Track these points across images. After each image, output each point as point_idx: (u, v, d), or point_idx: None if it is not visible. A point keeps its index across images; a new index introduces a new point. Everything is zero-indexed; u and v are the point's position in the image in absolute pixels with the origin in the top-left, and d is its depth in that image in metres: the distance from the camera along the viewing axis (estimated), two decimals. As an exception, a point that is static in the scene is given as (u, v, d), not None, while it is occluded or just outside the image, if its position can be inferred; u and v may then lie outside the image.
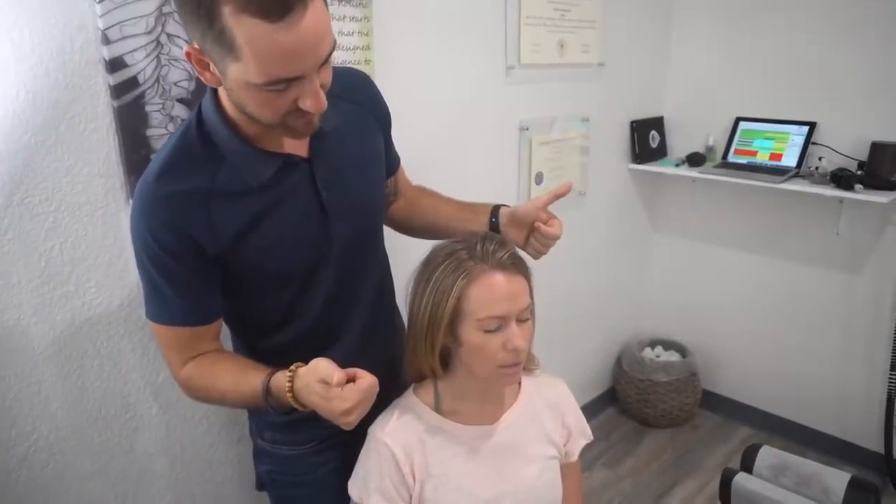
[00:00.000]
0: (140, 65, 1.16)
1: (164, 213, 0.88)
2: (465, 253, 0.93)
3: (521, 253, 1.04)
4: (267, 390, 0.90)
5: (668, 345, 2.79)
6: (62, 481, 1.24)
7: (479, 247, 0.93)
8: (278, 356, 0.96)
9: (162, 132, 1.22)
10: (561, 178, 2.22)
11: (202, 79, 0.83)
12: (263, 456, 1.17)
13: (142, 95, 1.18)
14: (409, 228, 1.28)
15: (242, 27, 0.72)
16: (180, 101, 1.23)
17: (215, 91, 0.89)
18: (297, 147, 0.94)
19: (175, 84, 1.22)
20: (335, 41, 0.81)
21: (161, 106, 1.21)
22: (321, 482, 1.11)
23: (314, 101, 0.81)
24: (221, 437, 1.48)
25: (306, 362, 0.88)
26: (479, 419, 1.01)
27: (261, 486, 1.22)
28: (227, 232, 0.91)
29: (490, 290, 0.90)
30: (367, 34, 1.51)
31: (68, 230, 1.16)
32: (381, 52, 1.56)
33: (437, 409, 1.01)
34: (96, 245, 1.20)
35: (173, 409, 1.38)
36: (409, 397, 1.03)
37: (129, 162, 1.19)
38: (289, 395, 0.87)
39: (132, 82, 1.16)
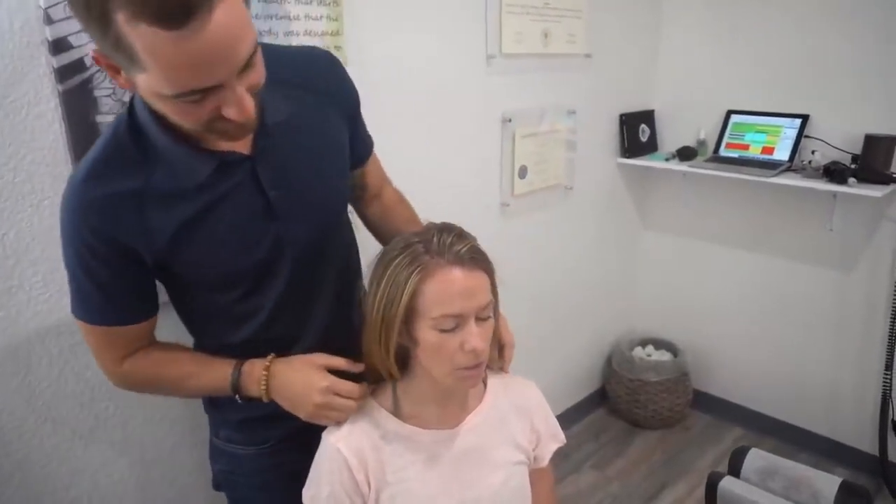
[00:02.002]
0: (87, 47, 1.10)
1: (93, 218, 0.82)
2: (421, 246, 0.86)
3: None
4: (238, 375, 0.92)
5: (658, 344, 2.73)
6: (7, 487, 1.18)
7: (435, 239, 0.86)
8: (237, 356, 0.96)
9: (112, 118, 1.15)
10: (546, 172, 2.16)
11: (116, 84, 0.75)
12: (218, 455, 1.12)
13: (89, 79, 1.12)
14: (378, 237, 1.22)
15: (141, 37, 0.64)
16: (132, 85, 1.17)
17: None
18: (238, 144, 0.86)
19: (126, 68, 1.16)
20: (255, 40, 0.72)
21: (112, 91, 1.15)
22: (275, 485, 1.06)
23: (237, 109, 0.73)
24: (185, 438, 1.42)
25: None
26: (440, 423, 0.95)
27: (217, 485, 1.17)
28: (163, 235, 0.85)
29: (446, 287, 0.84)
30: (336, 19, 1.45)
31: (11, 221, 1.10)
32: (352, 38, 1.50)
33: (396, 412, 0.94)
34: (43, 237, 1.14)
35: (131, 410, 1.32)
36: (366, 400, 0.97)
37: (77, 150, 1.13)
38: (263, 379, 0.91)
39: (78, 65, 1.10)
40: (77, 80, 1.10)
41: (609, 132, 2.44)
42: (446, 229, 0.88)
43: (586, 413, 2.72)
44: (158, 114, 0.79)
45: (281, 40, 1.36)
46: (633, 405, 2.60)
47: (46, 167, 1.12)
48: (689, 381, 2.62)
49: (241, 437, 1.08)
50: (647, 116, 2.55)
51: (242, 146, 0.87)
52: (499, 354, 1.04)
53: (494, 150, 1.98)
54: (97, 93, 1.13)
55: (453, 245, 0.86)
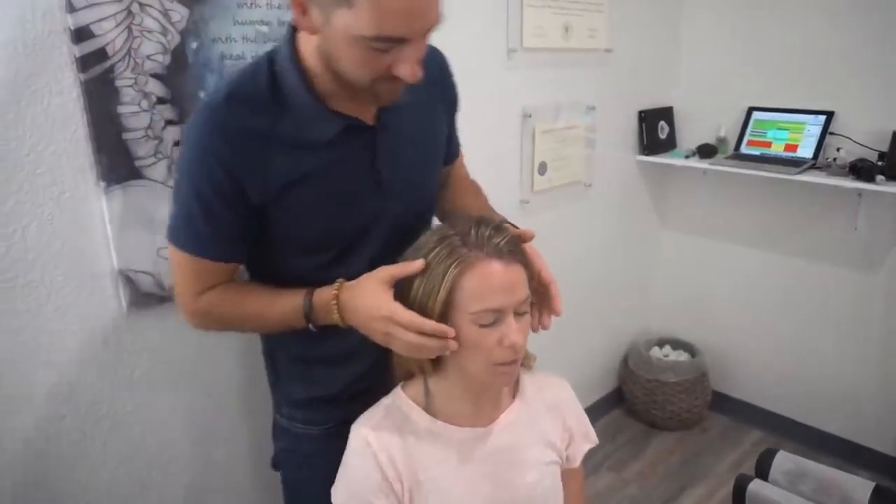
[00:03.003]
0: (109, 35, 1.07)
1: (222, 144, 0.84)
2: (458, 239, 0.83)
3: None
4: (310, 304, 0.90)
5: (676, 344, 2.70)
6: (26, 486, 1.16)
7: (473, 232, 0.84)
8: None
9: (134, 109, 1.13)
10: (565, 169, 2.13)
11: (296, 22, 0.79)
12: (280, 432, 1.13)
13: (111, 69, 1.09)
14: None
15: None
16: (155, 76, 1.15)
17: (293, 38, 0.86)
18: (362, 113, 0.90)
19: (148, 58, 1.13)
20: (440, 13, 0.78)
21: (133, 81, 1.12)
22: (330, 468, 1.03)
23: (412, 69, 0.78)
24: (203, 436, 1.40)
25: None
26: (473, 421, 0.92)
27: (275, 465, 1.17)
28: (276, 182, 0.87)
29: (485, 281, 0.81)
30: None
31: (32, 214, 1.07)
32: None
33: (428, 408, 0.91)
34: (64, 230, 1.11)
35: (149, 408, 1.30)
36: (397, 395, 0.94)
37: (99, 140, 1.11)
38: (334, 303, 0.87)
39: (100, 54, 1.07)
40: (99, 69, 1.08)
41: (628, 129, 2.41)
42: (484, 221, 0.85)
43: (602, 414, 2.68)
44: (304, 68, 0.85)
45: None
46: (650, 406, 2.56)
47: (67, 159, 1.09)
48: (707, 382, 2.58)
49: (302, 416, 1.08)
50: (667, 113, 2.51)
51: (366, 117, 0.90)
52: (543, 296, 0.94)
53: (514, 145, 1.95)
54: (119, 83, 1.11)
55: (492, 238, 0.83)
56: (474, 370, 0.85)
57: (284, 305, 0.92)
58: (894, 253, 2.12)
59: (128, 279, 1.20)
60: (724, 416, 2.66)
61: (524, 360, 0.96)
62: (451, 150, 1.13)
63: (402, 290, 0.86)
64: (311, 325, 0.92)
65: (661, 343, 2.72)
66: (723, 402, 2.66)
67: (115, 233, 1.16)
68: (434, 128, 1.04)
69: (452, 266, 0.81)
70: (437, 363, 0.91)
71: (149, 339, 1.27)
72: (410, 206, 0.98)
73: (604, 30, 2.12)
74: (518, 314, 0.84)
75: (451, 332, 0.82)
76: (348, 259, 0.95)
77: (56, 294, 1.13)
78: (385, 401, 0.94)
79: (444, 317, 0.83)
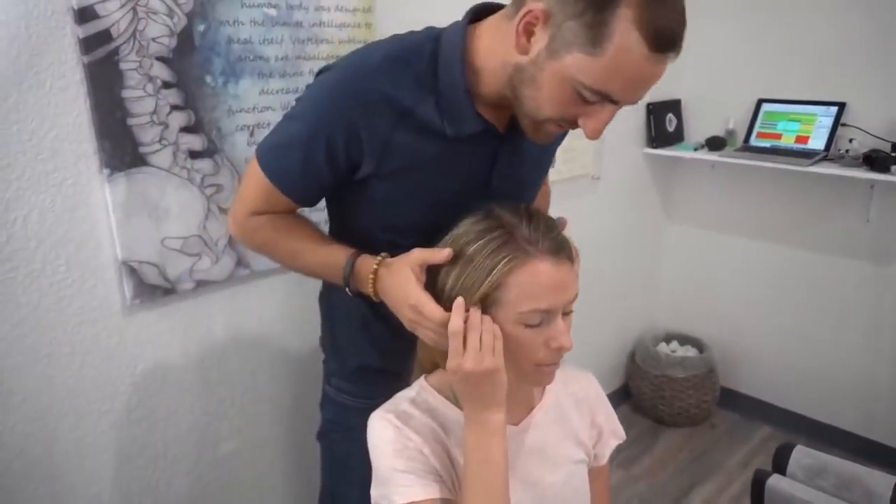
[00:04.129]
0: (114, 16, 1.04)
1: (357, 109, 0.82)
2: (507, 232, 0.78)
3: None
4: (351, 267, 0.89)
5: (684, 339, 2.66)
6: (28, 482, 1.12)
7: (524, 225, 0.78)
8: None
9: (139, 93, 1.09)
10: (574, 161, 2.10)
11: (517, 42, 0.77)
12: (327, 403, 1.14)
13: (115, 51, 1.06)
14: None
15: (626, 38, 0.70)
16: (160, 59, 1.11)
17: (466, 31, 0.84)
18: (496, 120, 0.89)
19: (154, 40, 1.09)
20: None
21: (138, 64, 1.09)
22: None
23: (596, 129, 0.79)
24: (209, 433, 1.36)
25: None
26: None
27: (320, 434, 1.16)
28: (394, 160, 0.86)
29: (538, 280, 0.76)
30: (368, -5, 1.39)
31: (33, 201, 1.03)
32: (383, 15, 1.43)
33: (455, 401, 0.85)
34: (66, 218, 1.08)
35: (155, 402, 1.26)
36: (421, 385, 0.89)
37: (103, 126, 1.07)
38: (371, 276, 0.86)
39: (104, 35, 1.04)
40: (103, 51, 1.04)
41: (635, 121, 2.38)
42: (535, 214, 0.80)
43: (609, 410, 2.65)
44: (470, 63, 0.84)
45: (311, 15, 1.29)
46: (658, 402, 2.53)
47: (70, 144, 1.06)
48: (716, 377, 2.55)
49: (351, 388, 1.08)
50: (674, 106, 2.48)
51: (500, 124, 0.89)
52: None
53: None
54: (123, 66, 1.07)
55: (546, 233, 0.78)
56: (514, 370, 0.80)
57: (328, 257, 0.91)
58: (907, 245, 2.09)
59: (131, 270, 1.16)
60: (733, 412, 2.63)
61: None
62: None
63: (436, 278, 0.81)
64: (347, 289, 0.91)
65: (668, 338, 2.69)
66: (731, 398, 2.63)
67: (118, 222, 1.12)
68: (552, 148, 1.05)
69: (503, 262, 0.75)
70: None
71: (153, 333, 1.23)
72: None
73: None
74: (565, 313, 0.80)
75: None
76: (423, 246, 0.91)
77: (57, 285, 1.09)
78: (408, 392, 0.88)
79: (483, 313, 0.78)
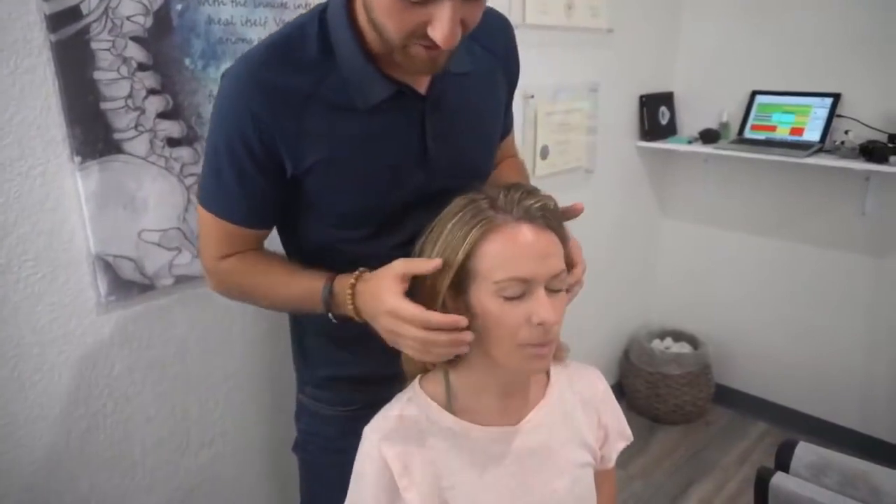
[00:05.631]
0: (83, -9, 0.97)
1: (258, 101, 0.79)
2: (485, 202, 0.74)
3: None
4: (330, 290, 0.83)
5: (678, 336, 2.63)
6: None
7: (502, 195, 0.74)
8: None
9: (113, 76, 1.03)
10: (567, 154, 2.05)
11: None
12: (302, 413, 1.08)
13: (86, 29, 0.99)
14: None
15: None
16: (134, 39, 1.04)
17: None
18: (416, 81, 0.84)
19: (128, 19, 1.03)
20: None
21: (111, 44, 1.02)
22: (352, 453, 0.93)
23: (445, 33, 0.69)
24: (190, 437, 1.29)
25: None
26: (501, 418, 0.82)
27: (295, 445, 1.11)
28: (313, 148, 0.81)
29: (512, 245, 0.71)
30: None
31: (-3, 190, 0.96)
32: None
33: (449, 406, 0.81)
34: (34, 209, 1.00)
35: (132, 406, 1.19)
36: (414, 391, 0.84)
37: (73, 110, 1.00)
38: (349, 292, 0.80)
39: (73, 12, 0.97)
40: (72, 29, 0.97)
41: (629, 114, 2.34)
42: (514, 186, 0.76)
43: (603, 409, 2.61)
44: (356, 24, 0.79)
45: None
46: (653, 400, 2.49)
47: (38, 129, 0.98)
48: (711, 374, 2.52)
49: (326, 396, 1.03)
50: (667, 98, 2.44)
51: (419, 85, 0.84)
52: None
53: (516, 128, 1.86)
54: (94, 45, 1.00)
55: (523, 200, 0.73)
56: (498, 353, 0.75)
57: (306, 285, 0.86)
58: (903, 238, 2.07)
59: (106, 265, 1.09)
60: (729, 409, 2.60)
61: (556, 353, 0.86)
62: (505, 124, 1.06)
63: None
64: (330, 315, 0.85)
65: (662, 335, 2.65)
66: (727, 395, 2.60)
67: (91, 213, 1.05)
68: (493, 102, 0.97)
69: (475, 228, 0.71)
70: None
71: (130, 332, 1.16)
72: (459, 185, 0.89)
73: (605, 9, 2.05)
74: (551, 290, 0.74)
75: (462, 321, 0.72)
76: (385, 236, 0.87)
77: (24, 281, 1.02)
78: (401, 397, 0.84)
79: (460, 289, 0.73)
